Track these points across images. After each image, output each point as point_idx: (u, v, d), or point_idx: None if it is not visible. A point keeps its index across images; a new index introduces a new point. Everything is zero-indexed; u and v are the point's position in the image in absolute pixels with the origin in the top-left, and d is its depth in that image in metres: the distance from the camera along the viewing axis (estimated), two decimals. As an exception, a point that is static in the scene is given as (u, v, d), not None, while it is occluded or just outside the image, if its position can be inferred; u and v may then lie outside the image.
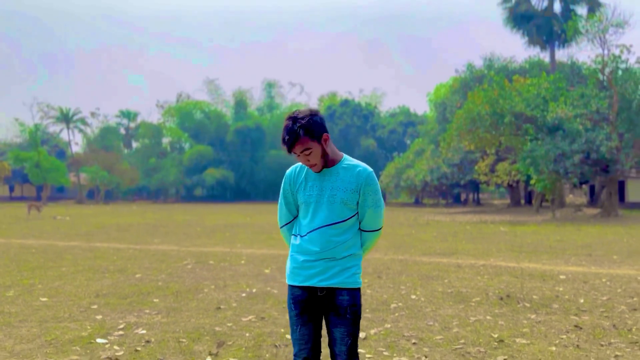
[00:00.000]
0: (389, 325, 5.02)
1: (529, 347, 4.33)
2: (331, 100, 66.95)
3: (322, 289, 2.56)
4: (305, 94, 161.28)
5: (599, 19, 25.39)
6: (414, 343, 4.45)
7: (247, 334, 4.70)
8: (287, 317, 5.27)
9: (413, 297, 6.35)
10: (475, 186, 45.27)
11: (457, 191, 47.24)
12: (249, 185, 63.51)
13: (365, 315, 5.34)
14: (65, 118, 63.39)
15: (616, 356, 4.09)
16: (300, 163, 2.66)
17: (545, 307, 5.78)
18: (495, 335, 4.64)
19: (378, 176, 35.25)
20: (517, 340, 4.52)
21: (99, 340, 4.50)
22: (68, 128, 64.22)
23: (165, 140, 67.48)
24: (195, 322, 5.14)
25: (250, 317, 5.34)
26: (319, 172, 2.59)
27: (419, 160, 44.24)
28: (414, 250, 11.38)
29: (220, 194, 64.87)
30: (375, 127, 64.77)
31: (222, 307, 5.80)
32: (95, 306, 5.84)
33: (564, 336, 4.64)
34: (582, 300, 6.11)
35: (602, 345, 4.36)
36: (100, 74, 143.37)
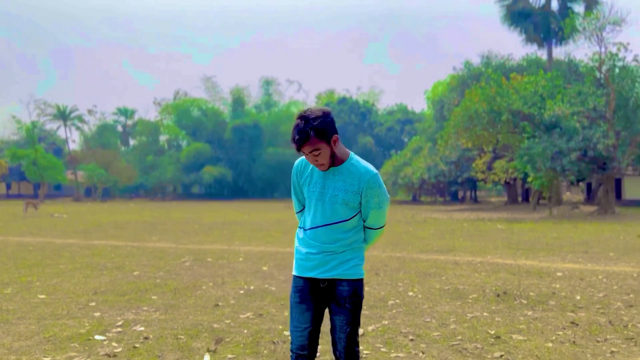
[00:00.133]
0: (386, 322, 5.04)
1: (525, 343, 4.35)
2: (329, 97, 66.93)
3: (324, 280, 2.64)
4: (303, 92, 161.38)
5: (596, 17, 25.43)
6: (412, 339, 4.47)
7: (245, 331, 4.71)
8: (286, 314, 5.30)
9: (410, 294, 6.37)
10: (472, 184, 45.33)
11: (454, 189, 47.32)
12: (247, 183, 63.48)
13: (363, 312, 5.36)
14: (63, 115, 63.20)
15: (612, 352, 4.12)
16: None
17: (541, 303, 5.81)
18: (492, 332, 4.67)
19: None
20: (514, 336, 4.54)
21: (97, 337, 4.51)
22: (65, 125, 64.02)
23: (163, 138, 67.42)
24: (194, 319, 5.15)
25: (248, 314, 5.35)
26: (326, 170, 2.61)
27: (416, 157, 44.28)
28: (412, 248, 11.41)
29: (218, 191, 64.86)
30: (373, 124, 64.84)
31: (220, 304, 5.81)
32: (93, 303, 5.85)
33: (561, 332, 4.66)
34: (578, 297, 6.14)
35: (598, 342, 4.39)
36: (97, 72, 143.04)
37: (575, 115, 23.77)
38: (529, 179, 27.04)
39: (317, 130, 2.46)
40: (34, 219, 22.54)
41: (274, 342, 4.37)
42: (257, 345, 4.32)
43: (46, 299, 6.10)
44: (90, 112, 68.80)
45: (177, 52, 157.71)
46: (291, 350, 2.67)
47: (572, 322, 4.99)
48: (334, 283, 2.64)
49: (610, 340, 4.42)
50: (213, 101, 66.99)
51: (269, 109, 67.15)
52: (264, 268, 8.44)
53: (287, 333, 4.48)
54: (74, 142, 71.81)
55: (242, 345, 4.32)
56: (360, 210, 2.65)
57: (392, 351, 4.17)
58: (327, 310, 2.73)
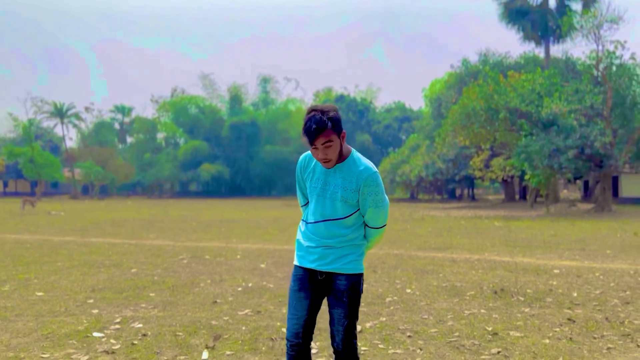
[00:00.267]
0: (384, 319, 5.05)
1: (522, 339, 4.37)
2: (327, 95, 66.85)
3: (321, 273, 2.68)
4: (300, 89, 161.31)
5: (593, 15, 25.46)
6: (409, 336, 4.49)
7: (244, 328, 4.72)
8: (284, 311, 5.31)
9: (408, 291, 6.39)
10: (470, 181, 45.40)
11: (452, 186, 47.37)
12: (244, 181, 63.45)
13: (361, 309, 5.37)
14: (60, 113, 63.01)
15: (608, 348, 4.14)
16: (310, 152, 2.72)
17: (539, 300, 5.83)
18: (490, 328, 4.69)
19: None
20: (511, 333, 4.56)
21: (95, 334, 4.51)
22: (62, 123, 63.82)
23: (160, 136, 67.26)
24: (192, 315, 5.16)
25: (246, 310, 5.36)
26: (329, 168, 2.62)
27: (414, 155, 44.33)
28: (409, 245, 11.42)
29: (216, 189, 64.82)
30: (371, 122, 64.83)
31: (218, 301, 5.82)
32: (91, 300, 5.85)
33: (557, 329, 4.68)
34: (575, 294, 6.17)
35: (594, 338, 4.41)
36: (95, 69, 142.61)
37: (572, 113, 23.81)
38: (527, 177, 27.10)
39: (333, 121, 2.50)
40: (31, 217, 22.50)
41: (272, 339, 4.38)
42: (255, 341, 4.33)
43: (44, 296, 6.10)
44: (87, 109, 68.53)
45: (174, 49, 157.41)
46: (286, 339, 2.71)
47: (569, 319, 5.01)
48: (332, 276, 2.68)
49: (606, 337, 4.44)
50: (210, 99, 66.91)
51: (266, 107, 67.06)
52: (262, 265, 8.45)
53: (285, 330, 4.48)
54: (71, 139, 71.93)
55: (240, 341, 4.33)
56: (359, 208, 2.67)
57: (390, 347, 4.18)
58: (327, 307, 2.76)
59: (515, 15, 39.08)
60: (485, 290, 6.41)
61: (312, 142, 2.50)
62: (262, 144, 61.72)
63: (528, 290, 6.35)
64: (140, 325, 4.80)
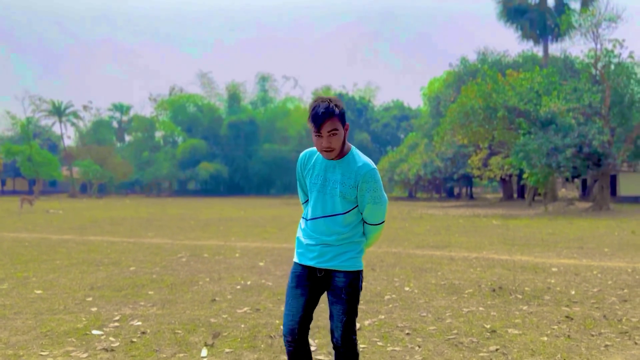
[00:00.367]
0: (383, 316, 5.07)
1: (520, 337, 4.38)
2: (325, 94, 66.81)
3: (320, 270, 2.70)
4: (299, 88, 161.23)
5: (592, 13, 25.49)
6: (408, 333, 4.50)
7: (243, 325, 4.73)
8: (282, 309, 5.32)
9: (407, 289, 6.40)
10: (468, 180, 45.46)
11: (450, 185, 47.44)
12: (243, 179, 63.46)
13: (360, 306, 5.37)
14: (58, 111, 62.92)
15: (606, 346, 4.16)
16: (311, 149, 2.76)
17: (537, 298, 5.85)
18: (488, 326, 4.70)
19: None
20: (509, 330, 4.57)
21: (94, 332, 4.51)
22: (60, 121, 63.72)
23: (159, 134, 67.25)
24: (191, 313, 5.17)
25: (245, 308, 5.37)
26: (331, 159, 2.64)
27: (412, 154, 44.36)
28: (408, 243, 11.44)
29: (214, 188, 64.82)
30: (369, 121, 64.85)
31: (217, 299, 5.82)
32: (90, 298, 5.85)
33: (556, 327, 4.70)
34: (573, 292, 6.19)
35: (592, 336, 4.43)
36: (93, 68, 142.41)
37: (570, 112, 23.85)
38: (525, 176, 27.14)
39: (340, 110, 2.54)
40: (30, 215, 22.48)
41: (271, 337, 4.39)
42: (254, 339, 4.33)
43: (43, 294, 6.10)
44: (85, 108, 68.48)
45: (173, 48, 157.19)
46: (283, 335, 2.74)
47: (566, 317, 5.03)
48: (330, 273, 2.70)
49: (604, 334, 4.46)
50: (209, 97, 66.93)
51: (265, 105, 67.07)
52: (261, 264, 8.45)
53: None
54: (69, 138, 71.87)
55: (239, 339, 4.33)
56: (358, 205, 2.68)
57: (389, 345, 4.20)
58: (326, 304, 2.77)
59: (513, 13, 39.13)
60: (484, 288, 6.43)
61: (318, 129, 2.51)
62: (260, 142, 61.73)
63: (526, 288, 6.36)
64: (139, 323, 4.81)
